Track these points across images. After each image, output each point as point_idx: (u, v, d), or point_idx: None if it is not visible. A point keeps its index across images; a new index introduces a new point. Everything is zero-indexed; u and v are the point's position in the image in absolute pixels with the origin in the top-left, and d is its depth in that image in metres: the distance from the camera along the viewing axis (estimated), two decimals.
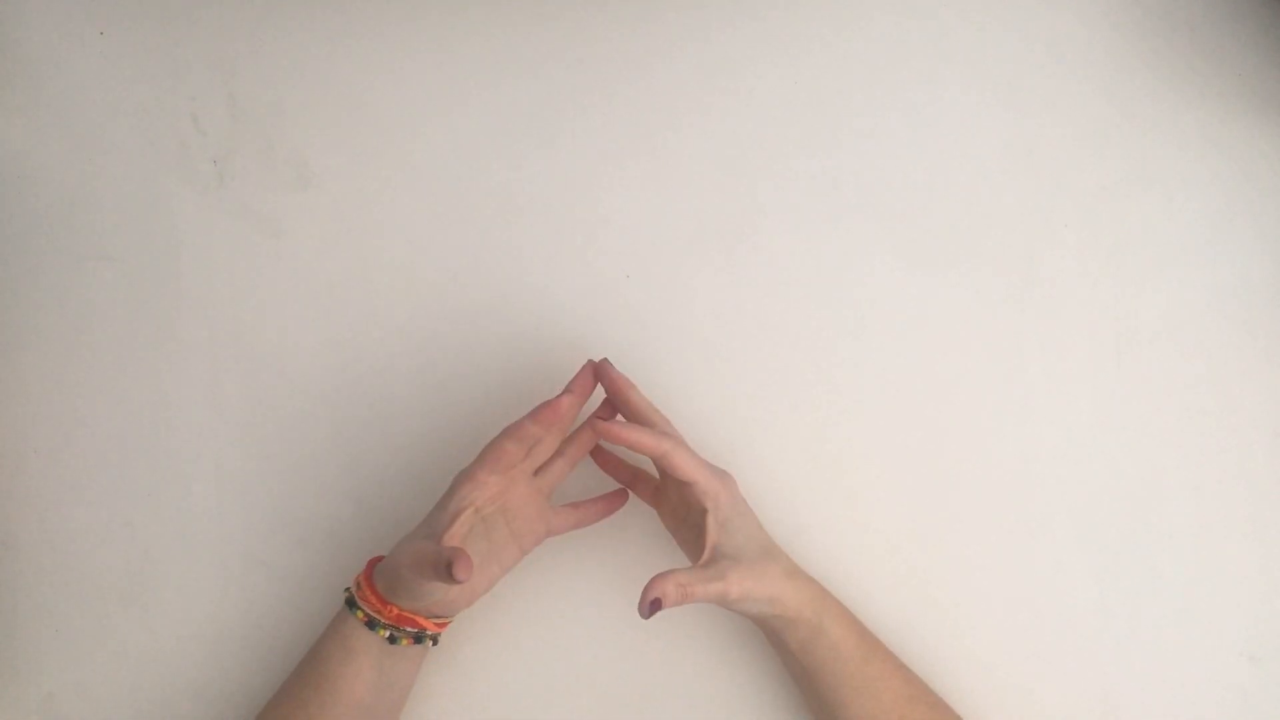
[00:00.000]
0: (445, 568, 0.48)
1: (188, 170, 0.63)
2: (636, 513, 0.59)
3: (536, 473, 0.57)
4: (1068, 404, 0.59)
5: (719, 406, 0.60)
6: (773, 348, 0.61)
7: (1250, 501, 0.58)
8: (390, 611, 0.53)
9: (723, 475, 0.54)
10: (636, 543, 0.60)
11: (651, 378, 0.61)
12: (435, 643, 0.55)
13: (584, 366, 0.56)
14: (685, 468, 0.52)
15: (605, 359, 0.56)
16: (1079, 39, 0.61)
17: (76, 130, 0.63)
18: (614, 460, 0.59)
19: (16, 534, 0.61)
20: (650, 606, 0.48)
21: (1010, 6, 0.61)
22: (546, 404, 0.54)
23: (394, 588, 0.53)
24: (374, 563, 0.55)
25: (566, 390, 0.55)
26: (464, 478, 0.54)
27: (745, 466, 0.58)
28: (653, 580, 0.49)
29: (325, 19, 0.63)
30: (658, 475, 0.57)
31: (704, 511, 0.53)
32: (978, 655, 0.58)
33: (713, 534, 0.52)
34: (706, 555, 0.52)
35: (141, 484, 0.61)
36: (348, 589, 0.55)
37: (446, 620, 0.55)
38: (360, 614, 0.53)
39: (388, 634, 0.53)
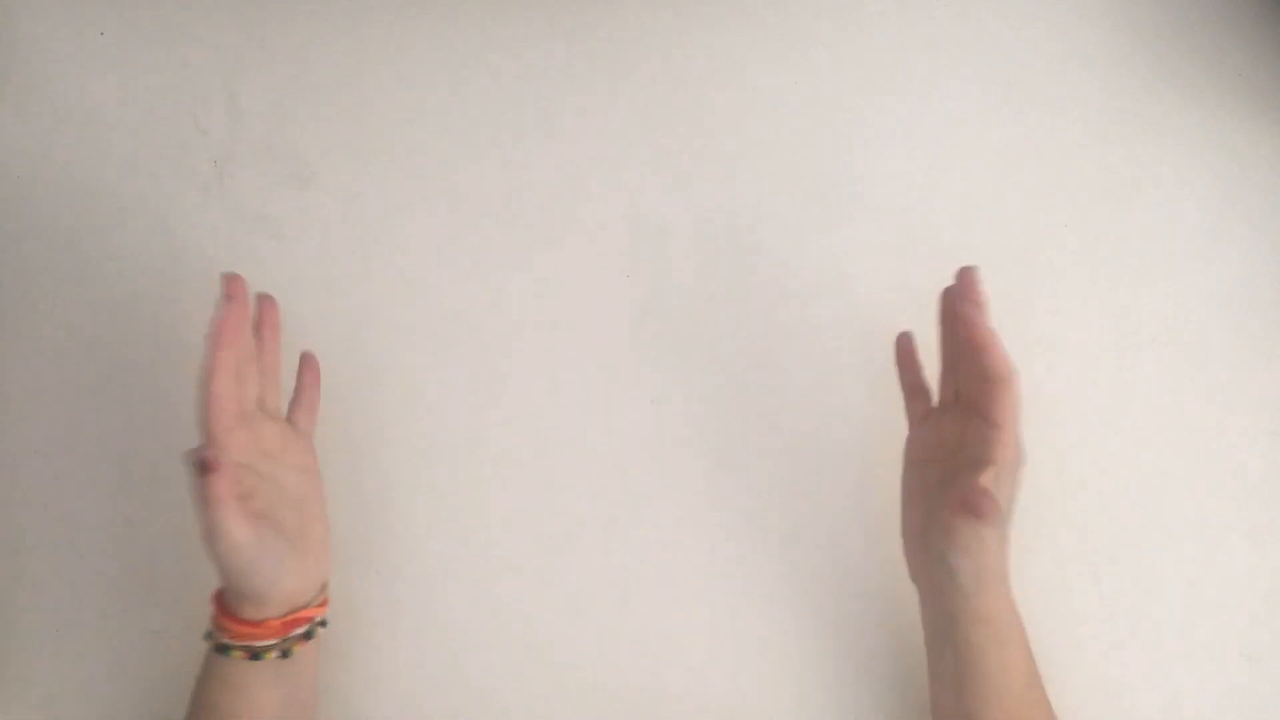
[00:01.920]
0: (201, 486, 0.45)
1: (188, 170, 0.63)
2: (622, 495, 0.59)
3: (263, 406, 0.54)
4: (1067, 404, 0.59)
5: (719, 405, 0.60)
6: (773, 347, 0.61)
7: (1250, 501, 0.58)
8: (271, 627, 0.49)
9: (1023, 450, 0.49)
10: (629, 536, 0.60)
11: (651, 377, 0.61)
12: (324, 625, 0.52)
13: (225, 283, 0.51)
14: (1009, 408, 0.47)
15: (974, 267, 0.50)
16: (1079, 39, 0.61)
17: (77, 130, 0.63)
18: (912, 359, 0.55)
19: (16, 534, 0.61)
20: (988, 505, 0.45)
21: (1010, 6, 0.61)
22: (217, 327, 0.49)
23: (257, 596, 0.48)
24: (219, 599, 0.50)
25: (226, 300, 0.51)
26: (208, 445, 0.48)
27: (745, 466, 0.58)
28: (983, 487, 0.45)
29: (325, 19, 0.63)
30: (941, 398, 0.53)
31: (983, 463, 0.47)
32: None
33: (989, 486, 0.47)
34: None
35: (141, 484, 0.61)
36: (208, 634, 0.50)
37: (325, 598, 0.52)
38: (238, 653, 0.49)
39: (277, 653, 0.49)
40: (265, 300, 0.58)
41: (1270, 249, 0.59)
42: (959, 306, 0.49)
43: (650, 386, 0.61)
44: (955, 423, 0.51)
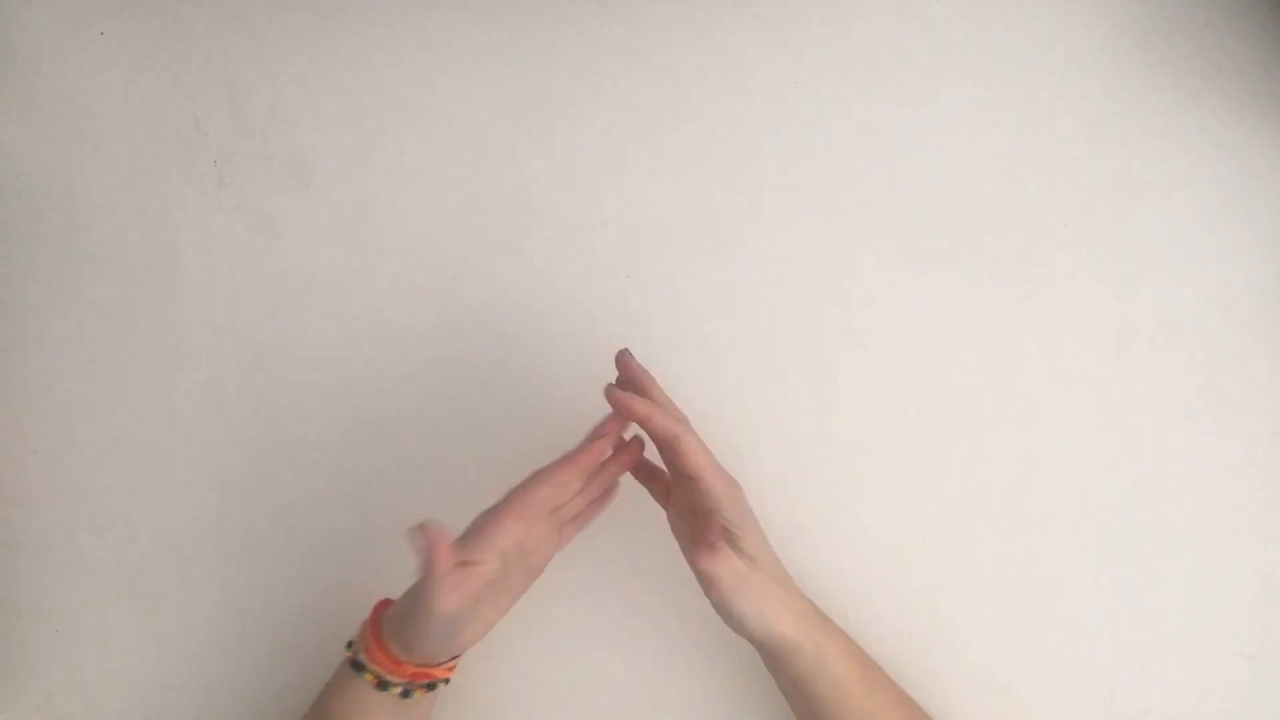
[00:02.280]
0: (425, 557, 0.48)
1: (188, 170, 0.63)
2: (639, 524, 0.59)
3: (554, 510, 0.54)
4: (1067, 404, 0.59)
5: (718, 406, 0.60)
6: (773, 348, 0.61)
7: (1250, 501, 0.58)
8: (405, 671, 0.51)
9: (731, 480, 0.52)
10: (638, 554, 0.60)
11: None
12: (448, 682, 0.54)
13: (614, 408, 0.51)
14: (693, 457, 0.50)
15: (626, 350, 0.53)
16: (1079, 39, 0.61)
17: (76, 130, 0.63)
18: (639, 459, 0.57)
19: (16, 534, 0.61)
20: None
21: (1010, 6, 0.61)
22: (584, 451, 0.52)
23: (408, 642, 0.51)
24: (379, 613, 0.53)
25: (601, 435, 0.53)
26: (491, 524, 0.51)
27: (745, 466, 0.58)
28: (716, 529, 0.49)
29: (325, 19, 0.63)
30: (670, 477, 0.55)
31: (710, 513, 0.51)
32: (977, 655, 0.58)
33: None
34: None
35: (141, 484, 0.61)
36: (350, 647, 0.53)
37: (456, 661, 0.54)
38: (369, 677, 0.51)
39: (400, 690, 0.51)
40: (634, 442, 0.56)
41: (1270, 249, 0.59)
42: (608, 397, 0.51)
43: None
44: (681, 488, 0.54)
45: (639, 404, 0.50)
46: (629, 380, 0.53)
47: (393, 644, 0.51)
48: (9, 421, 0.62)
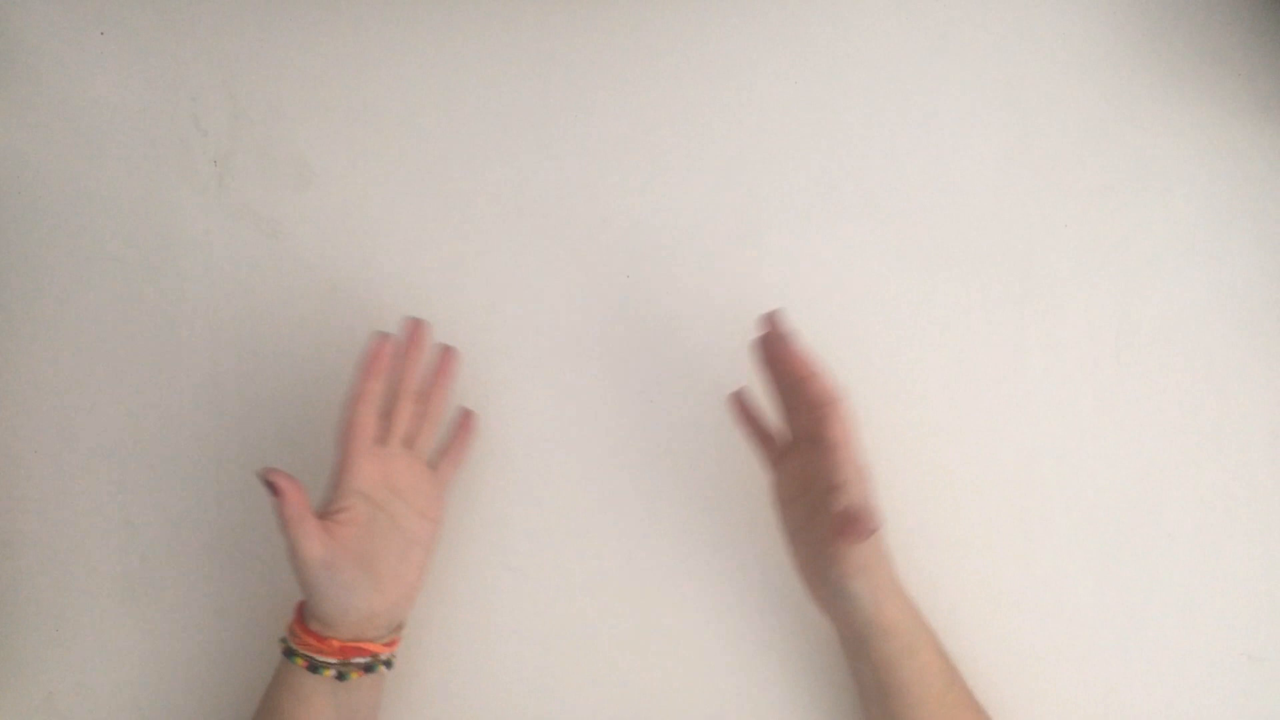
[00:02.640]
0: (273, 505, 0.48)
1: (188, 170, 0.63)
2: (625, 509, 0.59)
3: (410, 445, 0.56)
4: (1067, 404, 0.59)
5: (718, 406, 0.60)
6: None
7: (1250, 501, 0.58)
8: (332, 646, 0.51)
9: (867, 466, 0.51)
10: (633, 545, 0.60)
11: (651, 378, 0.61)
12: (390, 666, 0.53)
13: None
14: (841, 427, 0.49)
15: (780, 309, 0.53)
16: (1079, 39, 0.61)
17: (76, 130, 0.63)
18: (750, 412, 0.57)
19: (16, 534, 0.61)
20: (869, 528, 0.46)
21: (1010, 6, 0.61)
22: (366, 354, 0.53)
23: (315, 611, 0.51)
24: (300, 605, 0.53)
25: (380, 334, 0.54)
26: (338, 469, 0.52)
27: (744, 466, 0.58)
28: (866, 509, 0.47)
29: (325, 19, 0.63)
30: (787, 439, 0.55)
31: (836, 488, 0.49)
32: (976, 655, 0.57)
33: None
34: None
35: (141, 484, 0.61)
36: (283, 638, 0.53)
37: (395, 639, 0.54)
38: (300, 660, 0.51)
39: (334, 672, 0.51)
40: (447, 350, 0.59)
41: (1270, 249, 0.59)
42: (773, 348, 0.51)
43: (649, 387, 0.61)
44: (802, 456, 0.53)
45: (804, 359, 0.49)
46: (777, 339, 0.51)
47: (311, 620, 0.51)
48: (9, 421, 0.62)
